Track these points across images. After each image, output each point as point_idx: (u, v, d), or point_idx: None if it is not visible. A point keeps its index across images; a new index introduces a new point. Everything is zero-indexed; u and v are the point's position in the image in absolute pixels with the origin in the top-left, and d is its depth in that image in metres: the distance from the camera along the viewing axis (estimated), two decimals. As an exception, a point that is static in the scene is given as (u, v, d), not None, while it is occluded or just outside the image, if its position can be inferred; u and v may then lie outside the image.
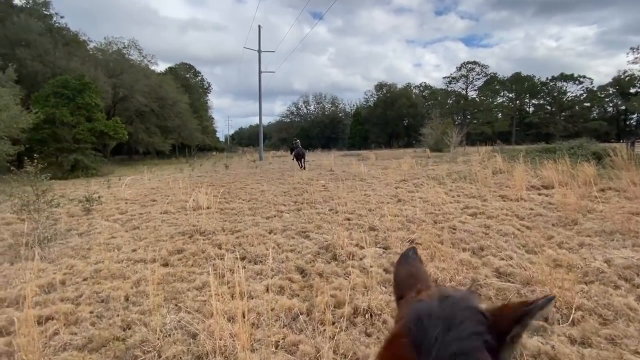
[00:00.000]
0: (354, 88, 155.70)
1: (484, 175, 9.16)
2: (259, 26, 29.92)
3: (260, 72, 30.28)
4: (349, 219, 5.87)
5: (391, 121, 59.07)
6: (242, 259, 4.17)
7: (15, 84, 15.39)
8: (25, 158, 4.87)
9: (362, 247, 4.30)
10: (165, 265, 4.13)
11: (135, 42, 32.95)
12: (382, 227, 5.14)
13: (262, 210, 6.92)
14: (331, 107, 73.80)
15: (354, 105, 71.39)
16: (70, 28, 26.63)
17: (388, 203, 7.07)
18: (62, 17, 25.98)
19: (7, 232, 4.69)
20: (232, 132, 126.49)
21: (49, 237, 4.68)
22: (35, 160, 4.75)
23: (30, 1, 22.83)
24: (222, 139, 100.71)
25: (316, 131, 65.11)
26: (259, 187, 10.39)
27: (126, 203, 8.84)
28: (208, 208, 7.57)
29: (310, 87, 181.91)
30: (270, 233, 5.21)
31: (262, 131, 30.97)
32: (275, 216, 6.38)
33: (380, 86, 64.73)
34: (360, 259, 3.94)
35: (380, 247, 4.36)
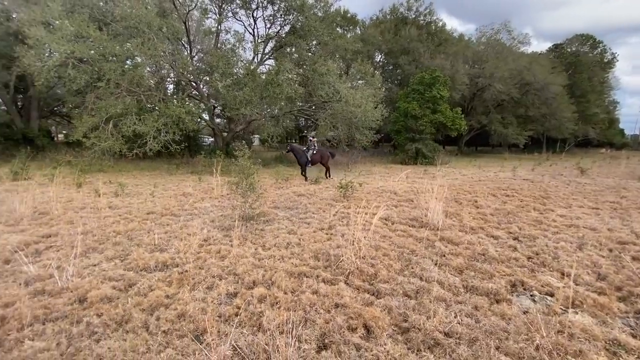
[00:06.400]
0: None
1: None
2: None
3: None
4: None
5: None
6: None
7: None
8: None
9: None
10: None
11: (506, 24, 30.18)
12: None
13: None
14: None
15: None
16: (446, 28, 29.31)
17: None
18: (441, 20, 29.07)
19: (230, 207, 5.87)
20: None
21: (250, 217, 5.19)
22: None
23: (416, 13, 27.55)
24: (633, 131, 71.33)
25: None
26: (569, 228, 5.81)
27: (395, 197, 8.31)
28: (442, 239, 5.22)
29: None
30: None
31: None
32: None
33: None
34: None
35: None
